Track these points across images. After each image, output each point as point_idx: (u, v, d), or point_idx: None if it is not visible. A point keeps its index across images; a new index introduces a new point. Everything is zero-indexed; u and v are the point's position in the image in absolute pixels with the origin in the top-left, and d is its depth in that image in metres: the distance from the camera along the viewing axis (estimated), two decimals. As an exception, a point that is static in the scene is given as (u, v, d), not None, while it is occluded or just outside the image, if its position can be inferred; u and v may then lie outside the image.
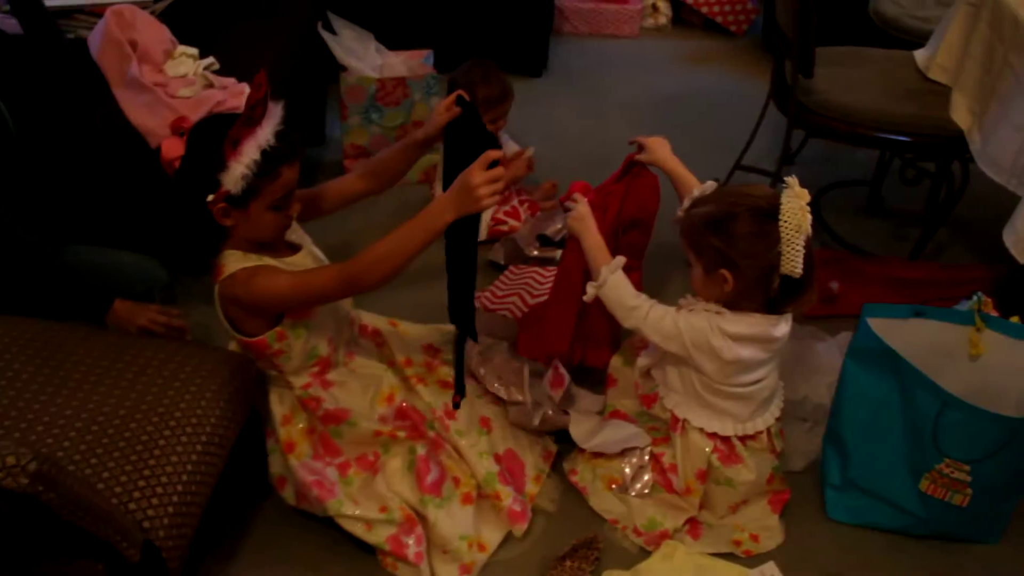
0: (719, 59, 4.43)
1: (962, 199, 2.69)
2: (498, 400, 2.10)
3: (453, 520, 1.94)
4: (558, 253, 2.77)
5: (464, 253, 1.88)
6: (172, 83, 2.40)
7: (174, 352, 1.84)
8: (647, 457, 2.06)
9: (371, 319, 2.18)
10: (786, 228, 1.77)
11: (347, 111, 3.09)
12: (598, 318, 2.19)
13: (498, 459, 2.05)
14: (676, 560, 1.96)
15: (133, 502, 1.54)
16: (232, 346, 1.97)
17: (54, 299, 2.04)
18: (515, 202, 2.98)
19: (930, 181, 3.02)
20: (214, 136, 1.71)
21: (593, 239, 2.04)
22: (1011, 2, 2.31)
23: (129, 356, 1.81)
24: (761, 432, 2.02)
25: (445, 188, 1.77)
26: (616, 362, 2.27)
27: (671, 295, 2.14)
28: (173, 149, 1.78)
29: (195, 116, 2.30)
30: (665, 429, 2.07)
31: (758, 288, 1.86)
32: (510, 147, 3.08)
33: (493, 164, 1.70)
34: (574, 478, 2.12)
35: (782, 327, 1.91)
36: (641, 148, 2.23)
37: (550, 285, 2.49)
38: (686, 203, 2.01)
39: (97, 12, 2.51)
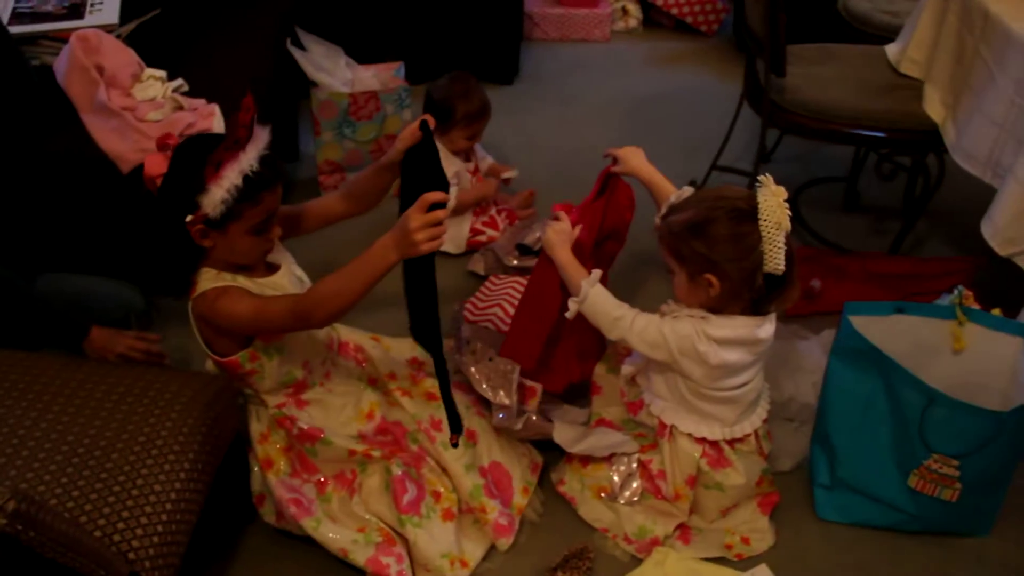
0: (691, 60, 4.44)
1: (939, 191, 2.70)
2: (484, 410, 2.09)
3: (433, 538, 1.92)
4: (537, 262, 2.76)
5: (420, 278, 1.79)
6: (141, 107, 2.38)
7: (153, 379, 1.82)
8: (635, 464, 2.05)
9: (353, 336, 2.16)
10: (766, 226, 1.77)
11: (319, 127, 3.07)
12: (585, 334, 2.17)
13: (483, 472, 2.03)
14: (668, 566, 1.95)
15: (117, 533, 1.52)
16: (208, 365, 1.96)
17: (29, 330, 2.02)
18: (493, 212, 2.97)
19: (906, 175, 3.03)
20: (197, 157, 1.69)
21: (567, 255, 2.02)
22: (980, -6, 2.32)
23: (108, 385, 1.79)
24: (749, 435, 2.01)
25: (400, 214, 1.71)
26: (600, 369, 2.26)
27: (646, 300, 2.12)
28: (156, 166, 1.76)
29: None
30: (652, 436, 2.06)
31: (743, 289, 1.86)
32: (484, 161, 3.07)
33: (437, 206, 1.64)
34: (562, 488, 2.11)
35: (767, 328, 1.91)
36: (615, 160, 2.21)
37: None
38: (663, 210, 2.00)
39: (62, 38, 2.49)
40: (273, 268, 1.94)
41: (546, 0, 4.61)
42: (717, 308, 1.91)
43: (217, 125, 2.39)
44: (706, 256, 1.83)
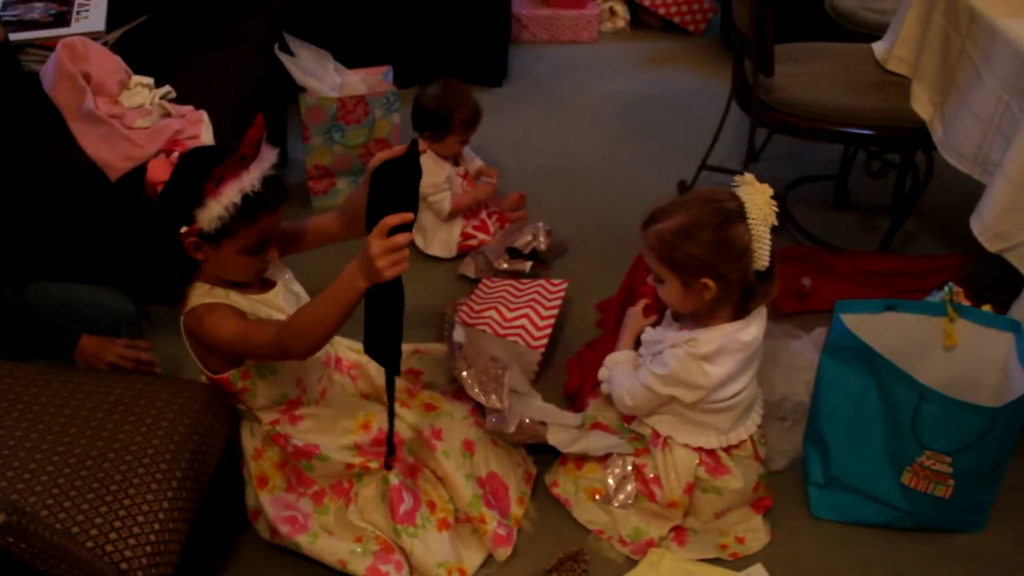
0: (679, 60, 4.44)
1: (928, 188, 2.70)
2: (480, 419, 2.08)
3: (430, 549, 1.91)
4: (528, 265, 2.77)
5: (383, 297, 1.70)
6: (128, 114, 2.37)
7: (144, 387, 1.81)
8: (630, 468, 2.05)
9: (348, 352, 2.14)
10: (755, 224, 1.78)
11: (308, 132, 3.06)
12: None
13: (481, 482, 2.02)
14: (663, 568, 1.95)
15: (110, 544, 1.51)
16: (203, 377, 1.95)
17: (19, 339, 2.01)
18: (483, 215, 2.97)
19: (896, 173, 3.04)
20: (200, 169, 1.68)
21: (627, 339, 2.20)
22: (966, -8, 2.33)
23: (99, 394, 1.78)
24: (745, 440, 2.02)
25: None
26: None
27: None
28: (159, 172, 1.75)
29: (153, 146, 2.28)
30: (647, 441, 2.06)
31: (736, 290, 1.86)
32: (473, 163, 3.07)
33: (400, 229, 1.56)
34: (556, 490, 2.10)
35: (750, 330, 1.91)
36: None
37: (528, 297, 2.49)
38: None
39: (49, 46, 2.47)
40: (268, 285, 1.92)
41: (534, 2, 4.62)
42: (707, 312, 1.91)
43: (205, 132, 2.38)
44: (703, 260, 1.82)
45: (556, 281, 2.59)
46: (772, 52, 2.56)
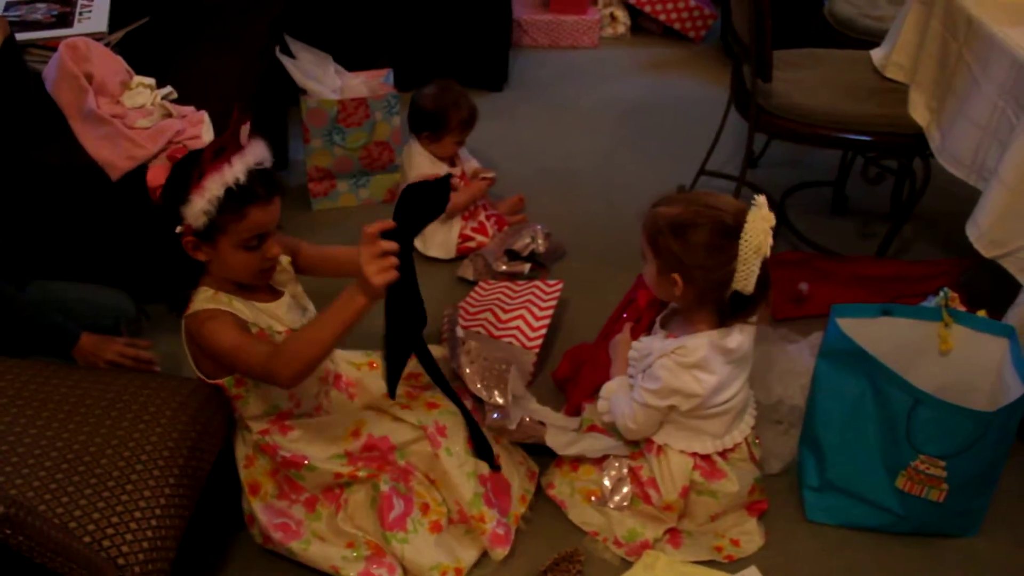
0: (679, 66, 4.45)
1: (926, 194, 2.71)
2: (479, 417, 2.08)
3: (421, 553, 1.90)
4: (526, 267, 2.78)
5: (398, 300, 1.75)
6: (130, 114, 2.38)
7: (142, 385, 1.82)
8: (626, 470, 2.06)
9: (349, 367, 2.12)
10: (745, 247, 1.78)
11: (309, 134, 3.07)
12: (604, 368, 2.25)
13: (483, 480, 2.01)
14: (658, 570, 1.95)
15: (107, 539, 1.52)
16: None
17: (19, 337, 2.01)
18: (482, 217, 2.98)
19: (893, 179, 3.05)
20: (189, 168, 1.69)
21: (620, 365, 2.16)
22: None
23: (97, 391, 1.79)
24: (740, 443, 2.02)
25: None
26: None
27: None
28: (158, 176, 1.76)
29: (154, 146, 2.29)
30: (642, 444, 2.06)
31: (708, 298, 1.88)
32: (469, 163, 3.09)
33: (397, 239, 1.60)
34: (552, 492, 2.11)
35: (735, 337, 1.92)
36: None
37: (523, 299, 2.50)
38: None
39: (51, 46, 2.49)
40: (276, 295, 1.91)
41: (535, 7, 4.63)
42: (684, 309, 1.95)
43: (206, 132, 2.39)
44: (678, 257, 1.84)
45: (551, 282, 2.60)
46: (771, 58, 2.57)
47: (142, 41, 2.74)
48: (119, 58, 2.51)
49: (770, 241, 1.79)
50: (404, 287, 1.71)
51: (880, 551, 2.03)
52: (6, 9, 2.71)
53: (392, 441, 1.98)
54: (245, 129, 1.70)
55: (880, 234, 2.94)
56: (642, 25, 4.78)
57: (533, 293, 2.54)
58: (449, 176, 1.78)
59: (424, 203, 1.79)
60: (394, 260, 1.59)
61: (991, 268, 2.20)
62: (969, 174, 2.28)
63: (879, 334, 2.04)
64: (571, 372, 2.38)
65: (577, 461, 2.11)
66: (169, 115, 2.42)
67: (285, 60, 3.04)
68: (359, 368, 2.13)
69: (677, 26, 4.65)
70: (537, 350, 2.39)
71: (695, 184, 3.24)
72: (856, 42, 3.07)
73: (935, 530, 2.05)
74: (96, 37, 2.56)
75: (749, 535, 2.04)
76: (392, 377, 1.86)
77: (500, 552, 1.97)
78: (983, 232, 2.14)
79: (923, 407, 1.87)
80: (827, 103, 2.63)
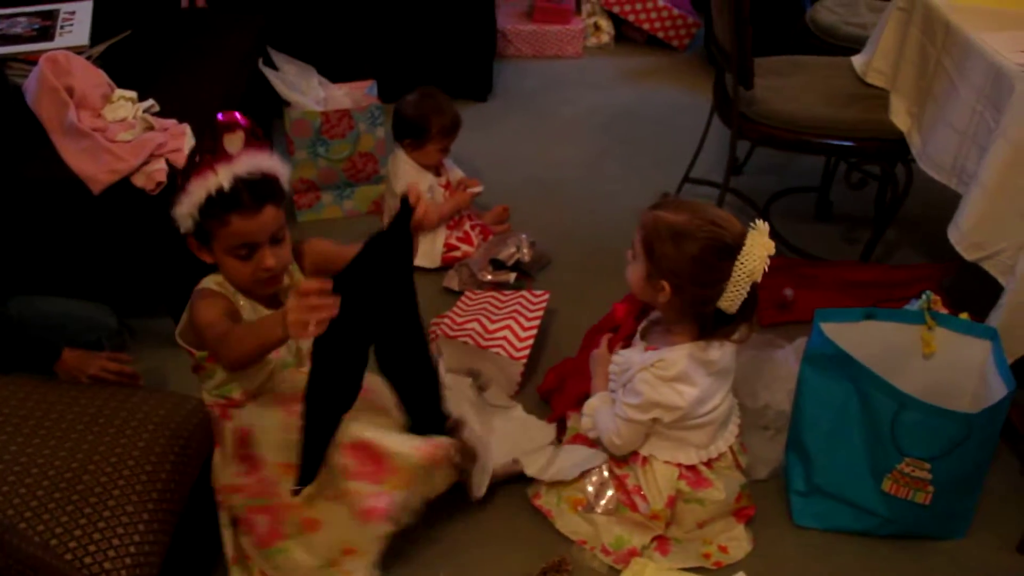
0: (663, 74, 4.47)
1: (908, 199, 2.72)
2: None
3: (310, 551, 1.86)
4: (512, 277, 2.78)
5: (330, 392, 1.71)
6: (111, 128, 2.37)
7: (124, 400, 1.82)
8: (606, 473, 2.05)
9: None
10: (739, 270, 1.79)
11: (293, 146, 3.07)
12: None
13: (347, 450, 1.84)
14: (646, 577, 1.96)
15: (89, 556, 1.51)
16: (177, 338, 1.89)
17: (1, 352, 2.00)
18: (467, 227, 2.98)
19: (876, 184, 3.06)
20: (185, 171, 1.73)
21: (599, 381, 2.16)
22: (941, 6, 2.35)
23: (79, 406, 1.78)
24: (724, 452, 2.02)
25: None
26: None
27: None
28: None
29: (136, 160, 2.28)
30: (627, 457, 2.06)
31: (692, 311, 1.89)
32: (454, 173, 3.09)
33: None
34: (538, 502, 2.10)
35: (715, 350, 1.92)
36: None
37: (510, 309, 2.50)
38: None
39: (32, 60, 2.48)
40: (276, 304, 1.88)
41: (519, 17, 4.63)
42: (665, 317, 1.95)
43: (188, 145, 2.38)
44: (672, 266, 1.85)
45: (538, 292, 2.60)
46: (752, 65, 2.58)
47: (124, 54, 2.73)
48: (100, 71, 2.50)
49: (765, 268, 1.80)
50: (339, 354, 1.70)
51: (867, 554, 2.04)
52: (-14, 24, 2.71)
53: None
54: (234, 137, 1.70)
55: (864, 239, 2.95)
56: (626, 34, 4.80)
57: (520, 303, 2.54)
58: (406, 200, 1.75)
59: (380, 261, 1.76)
60: (323, 315, 1.47)
61: (973, 271, 2.21)
62: (950, 178, 2.29)
63: (863, 338, 2.05)
64: (556, 384, 2.38)
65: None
66: (151, 128, 2.41)
67: (268, 72, 3.04)
68: None
69: (661, 35, 4.67)
70: (524, 360, 2.38)
71: (679, 191, 3.25)
72: (838, 49, 3.08)
73: (922, 533, 2.05)
74: (77, 50, 2.56)
75: (737, 541, 2.04)
76: (307, 463, 1.77)
77: (376, 527, 1.85)
78: (964, 235, 2.15)
79: (908, 410, 1.88)
80: (809, 109, 2.64)
